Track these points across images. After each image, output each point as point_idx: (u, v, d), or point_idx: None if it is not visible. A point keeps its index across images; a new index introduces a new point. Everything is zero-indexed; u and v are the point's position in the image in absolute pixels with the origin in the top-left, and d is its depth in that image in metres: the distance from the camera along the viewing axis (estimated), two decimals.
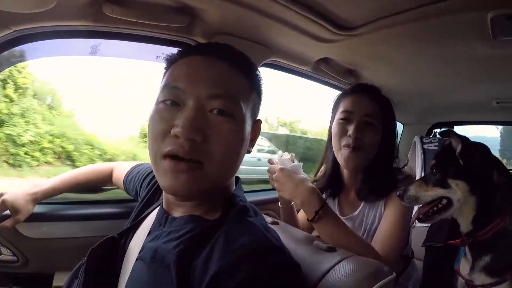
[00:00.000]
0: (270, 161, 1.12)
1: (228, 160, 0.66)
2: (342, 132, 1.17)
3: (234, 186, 0.76)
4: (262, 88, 0.76)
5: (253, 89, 0.72)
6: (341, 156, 1.18)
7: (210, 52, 0.68)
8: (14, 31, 0.98)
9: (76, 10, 0.98)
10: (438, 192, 1.02)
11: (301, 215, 1.29)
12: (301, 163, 1.07)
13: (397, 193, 1.06)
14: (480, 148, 1.02)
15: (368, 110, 1.15)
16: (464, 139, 1.01)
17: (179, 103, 0.63)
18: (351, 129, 1.14)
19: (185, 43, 1.18)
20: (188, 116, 0.60)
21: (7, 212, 1.05)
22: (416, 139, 2.06)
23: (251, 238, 0.58)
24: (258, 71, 0.76)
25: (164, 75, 0.70)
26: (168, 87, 0.65)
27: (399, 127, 2.42)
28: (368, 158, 1.17)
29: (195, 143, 0.60)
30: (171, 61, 0.70)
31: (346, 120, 1.17)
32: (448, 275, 1.22)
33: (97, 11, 0.98)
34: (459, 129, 2.59)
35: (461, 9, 0.98)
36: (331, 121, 1.27)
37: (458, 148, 1.01)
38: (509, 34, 1.06)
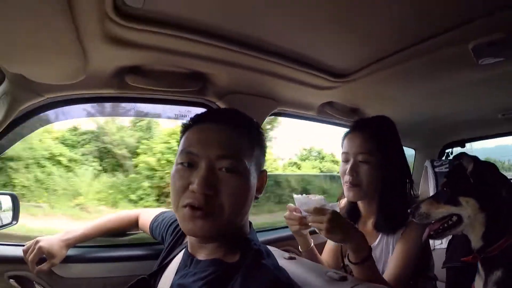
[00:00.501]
0: (290, 208, 1.14)
1: (237, 208, 0.77)
2: (343, 172, 1.24)
3: (249, 230, 0.86)
4: (265, 144, 0.87)
5: (256, 146, 0.83)
6: (345, 193, 1.26)
7: (217, 120, 0.80)
8: (47, 98, 1.12)
9: (102, 81, 1.12)
10: (449, 209, 1.04)
11: (325, 256, 1.35)
12: (336, 203, 1.09)
13: (409, 210, 1.09)
14: (490, 167, 1.05)
15: (361, 149, 1.21)
16: (475, 159, 1.05)
17: (193, 164, 0.75)
18: (347, 169, 1.22)
19: (199, 103, 1.31)
20: (202, 176, 0.72)
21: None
22: (427, 163, 2.05)
23: (264, 280, 0.68)
24: (261, 129, 0.88)
25: (181, 139, 0.82)
26: (184, 152, 0.77)
27: (411, 151, 2.44)
28: (369, 191, 1.22)
29: (208, 196, 0.72)
30: (185, 128, 0.83)
31: (345, 161, 1.25)
32: None
33: (120, 81, 1.12)
34: (475, 144, 2.58)
35: (442, 45, 1.05)
36: None
37: (470, 167, 1.04)
38: (490, 58, 1.11)
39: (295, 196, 1.13)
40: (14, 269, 1.20)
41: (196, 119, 0.83)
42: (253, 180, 0.80)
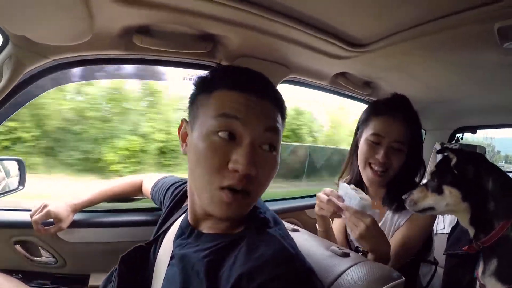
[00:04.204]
0: (333, 194, 1.07)
1: (266, 187, 0.73)
2: (370, 154, 1.20)
3: None
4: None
5: (284, 123, 0.77)
6: (366, 175, 1.22)
7: (257, 89, 0.70)
8: (52, 60, 1.09)
9: (109, 41, 1.08)
10: (434, 199, 1.07)
11: (336, 233, 1.34)
12: (377, 211, 1.03)
13: (403, 196, 1.12)
14: (475, 159, 1.06)
15: (398, 137, 1.17)
16: (458, 153, 1.07)
17: (235, 135, 0.66)
18: (380, 154, 1.17)
19: (209, 66, 1.26)
20: (248, 153, 0.65)
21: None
22: (437, 146, 2.04)
23: (269, 248, 0.64)
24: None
25: (200, 99, 0.72)
26: (226, 116, 0.66)
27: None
28: (391, 177, 1.20)
29: (250, 177, 0.66)
30: (210, 86, 0.71)
31: (375, 142, 1.20)
32: (467, 283, 1.23)
33: (128, 41, 1.07)
34: (483, 132, 2.54)
35: (468, 22, 1.00)
36: (358, 133, 1.30)
37: (453, 161, 1.06)
38: None
39: (341, 183, 1.09)
40: (20, 234, 1.22)
41: (231, 80, 0.71)
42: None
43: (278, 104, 0.74)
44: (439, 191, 1.06)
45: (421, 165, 1.27)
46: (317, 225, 1.21)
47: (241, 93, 0.68)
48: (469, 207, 1.04)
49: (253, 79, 0.74)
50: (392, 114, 1.20)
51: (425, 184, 1.12)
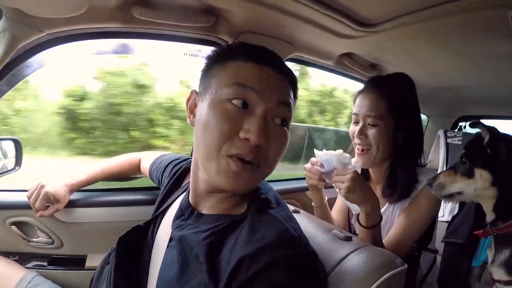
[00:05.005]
0: (312, 161, 1.12)
1: (275, 164, 0.71)
2: (352, 134, 1.20)
3: None
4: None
5: (295, 103, 0.75)
6: (355, 156, 1.22)
7: (275, 64, 0.70)
8: (47, 34, 1.04)
9: (106, 14, 1.03)
10: (463, 182, 1.03)
11: (334, 215, 1.34)
12: (359, 164, 1.08)
13: (428, 180, 1.09)
14: (508, 140, 1.01)
15: (369, 111, 1.15)
16: (491, 130, 1.02)
17: (248, 104, 0.65)
18: (356, 132, 1.18)
19: (210, 41, 1.22)
20: (260, 123, 0.63)
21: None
22: (440, 132, 2.00)
23: (271, 230, 0.62)
24: None
25: (215, 68, 0.70)
26: (241, 86, 0.65)
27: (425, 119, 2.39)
28: (379, 157, 1.17)
29: (261, 148, 0.64)
30: (225, 56, 0.70)
31: (355, 122, 1.21)
32: (465, 271, 1.23)
33: (126, 13, 1.03)
34: (489, 123, 2.50)
35: (481, 7, 0.97)
36: None
37: (486, 138, 1.01)
38: None
39: (316, 151, 1.09)
40: (16, 215, 1.20)
41: (246, 52, 0.70)
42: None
43: (292, 81, 0.72)
44: (469, 174, 1.02)
45: (417, 149, 1.23)
46: (312, 202, 1.23)
47: (257, 65, 0.67)
48: (497, 193, 1.00)
49: (268, 53, 0.72)
50: (364, 92, 1.20)
51: (453, 167, 1.08)
